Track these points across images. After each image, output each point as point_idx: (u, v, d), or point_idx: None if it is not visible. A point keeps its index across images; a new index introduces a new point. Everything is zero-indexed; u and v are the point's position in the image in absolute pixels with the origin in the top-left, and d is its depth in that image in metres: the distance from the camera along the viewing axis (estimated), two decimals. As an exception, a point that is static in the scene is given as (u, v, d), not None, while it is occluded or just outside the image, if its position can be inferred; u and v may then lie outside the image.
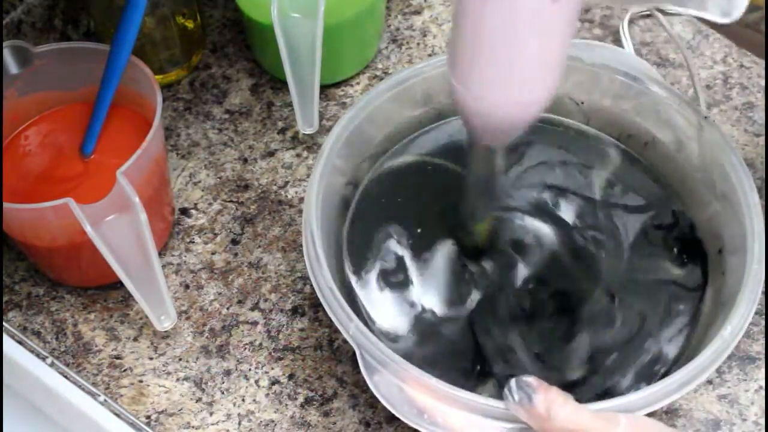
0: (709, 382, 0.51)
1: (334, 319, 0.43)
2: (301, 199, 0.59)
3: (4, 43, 0.52)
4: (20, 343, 0.52)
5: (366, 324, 0.46)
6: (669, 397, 0.41)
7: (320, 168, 0.49)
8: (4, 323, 0.53)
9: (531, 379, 0.39)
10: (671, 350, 0.47)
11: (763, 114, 0.63)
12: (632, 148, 0.55)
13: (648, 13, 0.69)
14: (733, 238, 0.48)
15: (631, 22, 0.69)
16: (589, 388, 0.46)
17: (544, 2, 0.36)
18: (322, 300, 0.44)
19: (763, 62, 0.66)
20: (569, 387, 0.43)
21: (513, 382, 0.39)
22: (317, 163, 0.49)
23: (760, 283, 0.44)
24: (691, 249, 0.51)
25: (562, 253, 0.51)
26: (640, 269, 0.51)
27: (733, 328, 0.42)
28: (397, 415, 0.40)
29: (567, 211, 0.53)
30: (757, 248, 0.45)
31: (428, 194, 0.54)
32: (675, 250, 0.51)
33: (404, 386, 0.41)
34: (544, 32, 0.38)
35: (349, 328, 0.42)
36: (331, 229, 0.50)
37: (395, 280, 0.50)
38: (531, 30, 0.37)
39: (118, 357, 0.52)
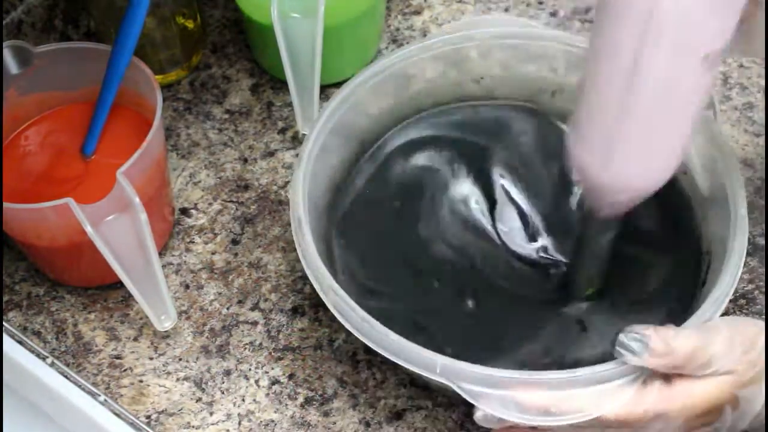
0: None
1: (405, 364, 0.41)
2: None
3: (4, 43, 0.52)
4: (20, 343, 0.52)
5: None
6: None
7: (306, 155, 0.49)
8: (4, 323, 0.53)
9: (636, 327, 0.39)
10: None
11: (763, 114, 0.63)
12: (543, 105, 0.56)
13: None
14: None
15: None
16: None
17: (696, 65, 0.35)
18: (332, 309, 0.44)
19: (763, 62, 0.66)
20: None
21: (623, 337, 0.39)
22: (303, 149, 0.49)
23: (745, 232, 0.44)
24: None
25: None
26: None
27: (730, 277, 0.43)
28: (531, 423, 0.39)
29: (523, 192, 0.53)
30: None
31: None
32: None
33: (515, 395, 0.39)
34: (691, 96, 0.37)
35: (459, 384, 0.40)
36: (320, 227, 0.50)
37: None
38: (681, 95, 0.37)
39: (118, 357, 0.52)
